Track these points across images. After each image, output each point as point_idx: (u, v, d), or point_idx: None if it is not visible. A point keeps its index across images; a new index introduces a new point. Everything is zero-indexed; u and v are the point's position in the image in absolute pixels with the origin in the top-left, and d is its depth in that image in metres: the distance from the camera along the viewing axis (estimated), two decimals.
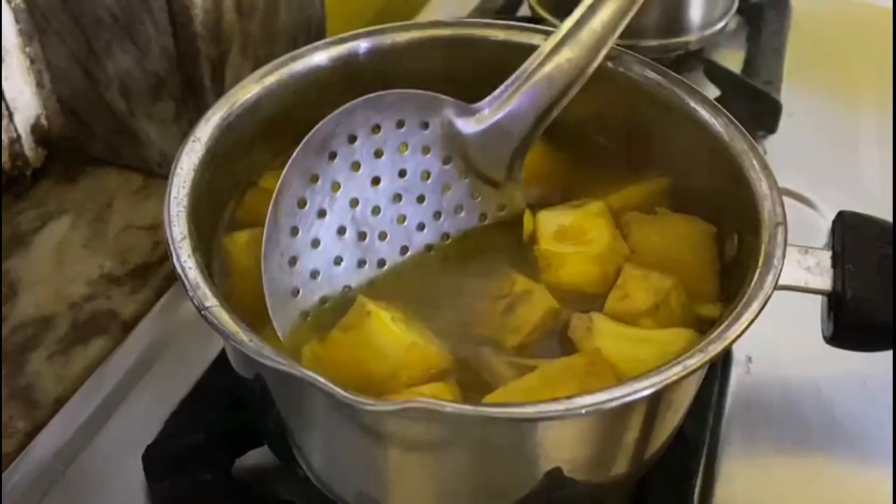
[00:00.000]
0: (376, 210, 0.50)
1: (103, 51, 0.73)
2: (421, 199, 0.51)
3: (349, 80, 0.55)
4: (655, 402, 0.44)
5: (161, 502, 0.55)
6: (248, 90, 0.52)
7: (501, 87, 0.52)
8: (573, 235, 0.52)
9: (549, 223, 0.53)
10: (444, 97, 0.51)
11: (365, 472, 0.46)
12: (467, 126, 0.52)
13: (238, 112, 0.51)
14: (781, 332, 0.63)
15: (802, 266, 0.46)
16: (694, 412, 0.52)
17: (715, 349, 0.40)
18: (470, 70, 0.55)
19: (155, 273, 0.73)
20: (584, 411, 0.38)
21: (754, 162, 0.49)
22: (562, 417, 0.38)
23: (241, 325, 0.40)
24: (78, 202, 0.79)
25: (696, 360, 0.40)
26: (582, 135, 0.56)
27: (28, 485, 0.57)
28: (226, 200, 0.53)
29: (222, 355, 0.62)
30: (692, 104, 0.53)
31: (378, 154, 0.50)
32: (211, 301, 0.41)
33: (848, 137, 0.85)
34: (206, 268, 0.44)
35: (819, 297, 0.51)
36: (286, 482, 0.55)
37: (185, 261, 0.43)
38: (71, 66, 0.75)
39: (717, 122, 0.52)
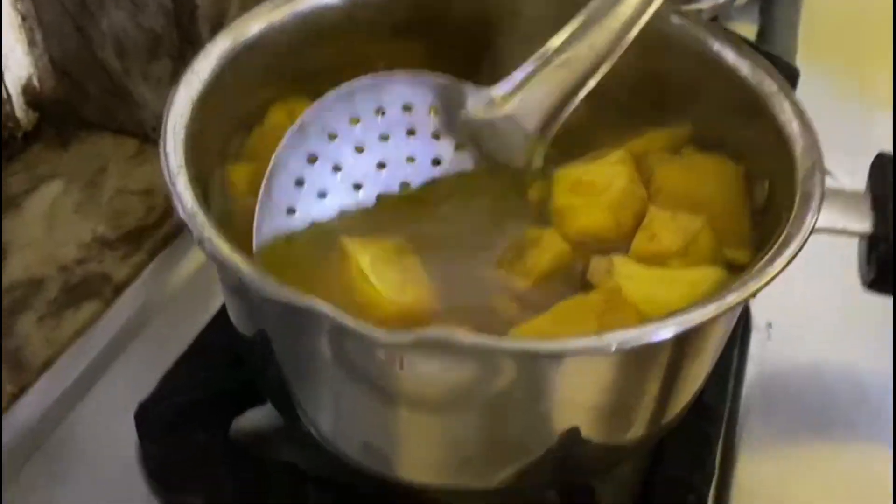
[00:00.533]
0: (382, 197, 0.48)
1: (97, 6, 0.70)
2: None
3: (357, 20, 0.52)
4: (685, 346, 0.41)
5: (154, 464, 0.52)
6: (251, 25, 0.49)
7: (518, 72, 0.48)
8: (588, 187, 0.49)
9: (566, 179, 0.50)
10: (457, 81, 0.48)
11: (372, 421, 0.43)
12: (483, 112, 0.49)
13: (240, 48, 0.48)
14: (802, 298, 0.61)
15: (839, 208, 0.44)
16: (714, 378, 0.49)
17: (755, 286, 0.37)
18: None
19: (149, 237, 0.70)
20: (613, 347, 0.35)
21: (785, 103, 0.47)
22: (589, 353, 0.36)
23: (244, 255, 0.37)
24: (70, 166, 0.76)
25: (734, 297, 0.37)
26: (601, 84, 0.53)
27: (13, 447, 0.54)
28: (230, 136, 0.50)
29: (219, 316, 0.60)
30: (716, 47, 0.50)
31: (384, 138, 0.47)
32: (210, 231, 0.38)
33: (862, 108, 0.83)
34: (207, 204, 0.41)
35: (841, 259, 0.49)
36: (287, 443, 0.53)
37: (182, 191, 0.40)
38: (64, 22, 0.72)
39: (743, 64, 0.49)
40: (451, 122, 0.48)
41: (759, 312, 0.63)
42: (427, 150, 0.49)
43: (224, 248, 0.38)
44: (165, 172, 0.40)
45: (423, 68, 0.49)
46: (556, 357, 0.37)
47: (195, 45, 0.72)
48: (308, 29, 0.51)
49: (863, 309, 0.63)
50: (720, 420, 0.55)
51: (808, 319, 0.63)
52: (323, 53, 0.50)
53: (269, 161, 0.45)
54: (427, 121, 0.48)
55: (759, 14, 0.94)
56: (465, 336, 0.35)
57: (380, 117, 0.47)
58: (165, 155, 0.41)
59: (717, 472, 0.53)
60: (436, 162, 0.49)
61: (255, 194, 0.45)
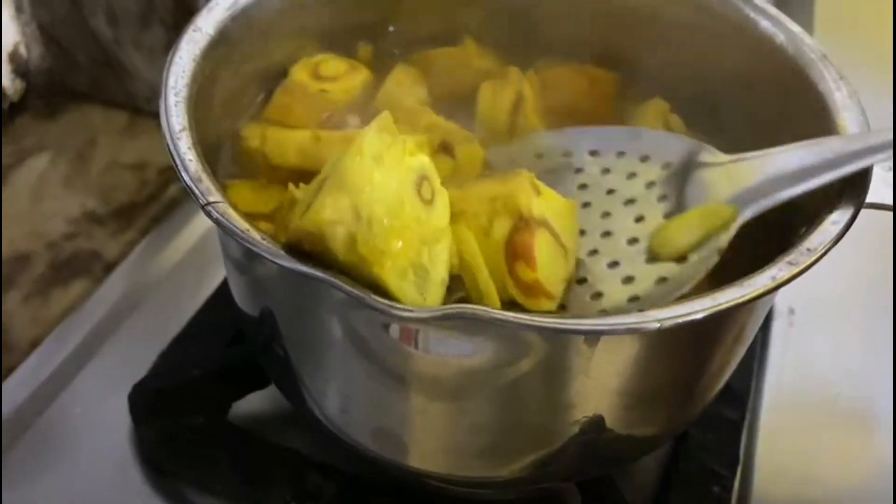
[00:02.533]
0: None
1: None
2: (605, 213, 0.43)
3: None
4: (725, 327, 0.38)
5: (148, 448, 0.49)
6: None
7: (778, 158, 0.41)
8: None
9: None
10: (703, 145, 0.43)
11: (384, 405, 0.40)
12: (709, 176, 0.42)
13: (250, 2, 0.45)
14: (824, 284, 0.59)
15: (886, 183, 0.41)
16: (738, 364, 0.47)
17: (805, 261, 0.35)
18: None
19: (142, 214, 0.68)
20: (657, 325, 0.32)
21: (825, 72, 0.44)
22: (630, 332, 0.33)
23: (252, 222, 0.34)
24: (58, 139, 0.73)
25: (785, 273, 0.34)
26: (636, 60, 0.51)
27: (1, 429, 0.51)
28: (241, 96, 0.47)
29: (216, 295, 0.57)
30: (752, 15, 0.47)
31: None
32: (215, 196, 0.35)
33: (881, 83, 0.81)
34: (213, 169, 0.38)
35: (863, 245, 0.46)
36: (289, 428, 0.50)
37: (185, 153, 0.37)
38: None
39: (779, 33, 0.46)
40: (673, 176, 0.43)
41: (781, 298, 0.60)
42: (628, 190, 0.44)
43: (232, 214, 0.34)
44: (166, 134, 0.37)
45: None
46: (595, 335, 0.34)
47: (190, 12, 0.68)
48: None
49: (885, 295, 0.61)
50: (744, 407, 0.53)
51: (830, 305, 0.61)
52: (351, 9, 0.48)
53: (293, 124, 0.43)
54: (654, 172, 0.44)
55: None
56: (495, 312, 0.32)
57: (619, 159, 0.44)
58: (166, 115, 0.38)
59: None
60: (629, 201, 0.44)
61: (276, 157, 0.42)
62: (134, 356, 0.54)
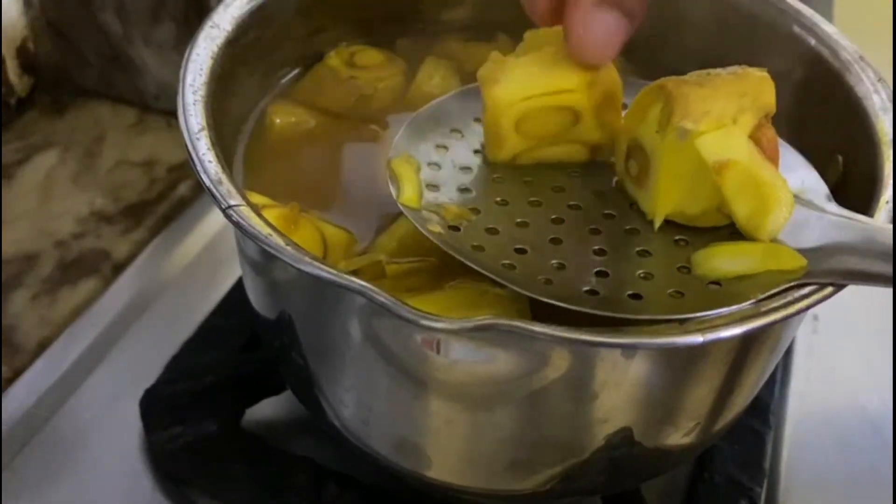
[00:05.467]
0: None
1: None
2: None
3: None
4: (766, 338, 0.37)
5: (160, 456, 0.48)
6: None
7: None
8: None
9: None
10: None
11: (405, 415, 0.39)
12: None
13: None
14: (848, 290, 0.57)
15: None
16: None
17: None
18: None
19: (151, 212, 0.66)
20: (701, 339, 0.31)
21: (862, 74, 0.43)
22: (671, 347, 0.32)
23: (274, 227, 0.33)
24: (66, 135, 0.72)
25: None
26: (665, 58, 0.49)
27: (7, 434, 0.50)
28: (260, 94, 0.47)
29: (229, 297, 0.56)
30: (786, 16, 0.46)
31: None
32: (236, 199, 0.34)
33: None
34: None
35: None
36: (303, 435, 0.49)
37: (204, 154, 0.35)
38: None
39: (813, 33, 0.45)
40: None
41: None
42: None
43: (254, 218, 0.33)
44: (185, 134, 0.36)
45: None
46: (632, 349, 0.33)
47: (201, 7, 0.67)
48: None
49: None
50: (769, 417, 0.51)
51: (854, 312, 0.60)
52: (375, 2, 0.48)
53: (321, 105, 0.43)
54: None
55: None
56: (534, 326, 0.30)
57: None
58: (185, 114, 0.37)
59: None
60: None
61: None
62: (144, 360, 0.53)
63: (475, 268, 0.34)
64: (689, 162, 0.36)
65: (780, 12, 0.46)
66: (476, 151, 0.41)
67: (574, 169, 0.41)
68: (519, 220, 0.38)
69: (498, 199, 0.39)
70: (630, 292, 0.35)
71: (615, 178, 0.40)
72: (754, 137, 0.36)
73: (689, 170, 0.36)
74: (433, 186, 0.39)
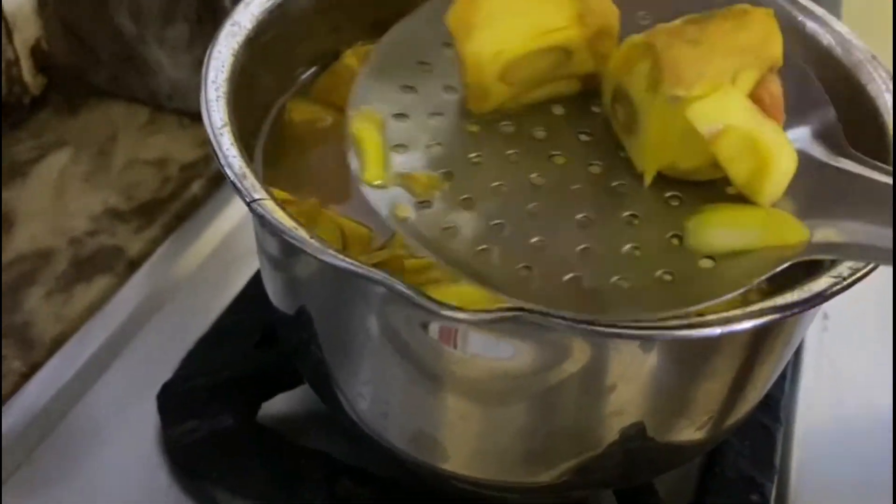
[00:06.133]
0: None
1: None
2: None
3: None
4: (782, 331, 0.38)
5: (176, 450, 0.48)
6: None
7: None
8: None
9: None
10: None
11: (422, 407, 0.39)
12: None
13: None
14: (858, 288, 0.58)
15: None
16: None
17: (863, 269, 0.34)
18: None
19: (164, 211, 0.67)
20: (718, 331, 0.31)
21: (874, 74, 0.43)
22: (690, 339, 0.32)
23: (298, 220, 0.34)
24: (79, 134, 0.72)
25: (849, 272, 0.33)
26: None
27: (24, 430, 0.50)
28: (282, 87, 0.47)
29: (245, 292, 0.56)
30: (799, 16, 0.46)
31: None
32: (260, 193, 0.34)
33: None
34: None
35: None
36: (319, 429, 0.49)
37: (228, 149, 0.36)
38: None
39: (826, 33, 0.45)
40: None
41: None
42: None
43: (278, 212, 0.34)
44: (209, 130, 0.36)
45: None
46: (650, 341, 0.33)
47: (215, 8, 0.68)
48: None
49: None
50: (780, 413, 0.52)
51: (864, 309, 0.60)
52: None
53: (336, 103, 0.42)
54: None
55: None
56: (560, 315, 0.31)
57: None
58: (207, 111, 0.37)
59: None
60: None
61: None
62: (160, 356, 0.53)
63: (446, 267, 0.32)
64: (681, 123, 0.33)
65: (793, 12, 0.47)
66: (448, 87, 0.37)
67: (559, 105, 0.38)
68: (495, 183, 0.35)
69: (472, 155, 0.35)
70: (616, 278, 0.32)
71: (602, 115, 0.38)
72: (756, 95, 0.34)
73: (682, 129, 0.33)
74: (400, 147, 0.35)
